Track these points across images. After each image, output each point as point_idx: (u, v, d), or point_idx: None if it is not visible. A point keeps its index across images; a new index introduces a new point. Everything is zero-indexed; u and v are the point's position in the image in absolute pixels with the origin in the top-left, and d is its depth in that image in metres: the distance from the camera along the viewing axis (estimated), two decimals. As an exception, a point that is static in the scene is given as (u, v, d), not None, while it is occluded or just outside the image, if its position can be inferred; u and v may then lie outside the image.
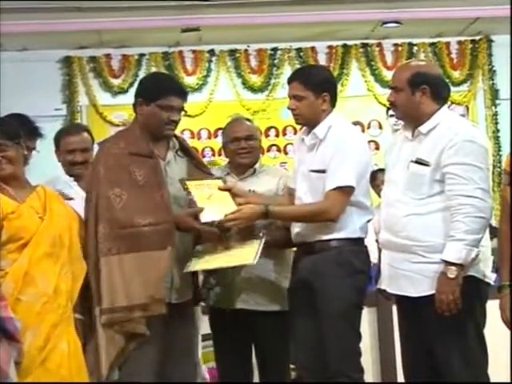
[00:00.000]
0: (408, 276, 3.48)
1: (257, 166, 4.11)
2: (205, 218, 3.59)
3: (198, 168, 3.86)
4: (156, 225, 3.51)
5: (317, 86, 3.74)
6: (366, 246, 3.78)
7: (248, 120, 4.34)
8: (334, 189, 3.61)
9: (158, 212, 3.54)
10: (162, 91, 3.69)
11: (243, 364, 4.10)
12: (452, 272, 3.34)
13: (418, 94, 3.52)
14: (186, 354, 3.75)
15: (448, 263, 3.35)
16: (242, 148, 4.07)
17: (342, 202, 3.63)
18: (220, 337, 4.07)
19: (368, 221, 3.78)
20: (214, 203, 3.64)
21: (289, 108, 3.80)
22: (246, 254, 3.61)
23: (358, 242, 3.72)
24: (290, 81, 3.81)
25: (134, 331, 3.46)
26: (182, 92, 3.79)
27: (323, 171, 3.66)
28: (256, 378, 4.23)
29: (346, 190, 3.62)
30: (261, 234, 3.74)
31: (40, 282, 3.24)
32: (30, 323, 3.15)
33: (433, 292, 3.39)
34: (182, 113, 3.73)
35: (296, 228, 3.76)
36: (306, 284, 3.68)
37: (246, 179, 4.10)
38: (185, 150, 3.85)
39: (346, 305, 3.60)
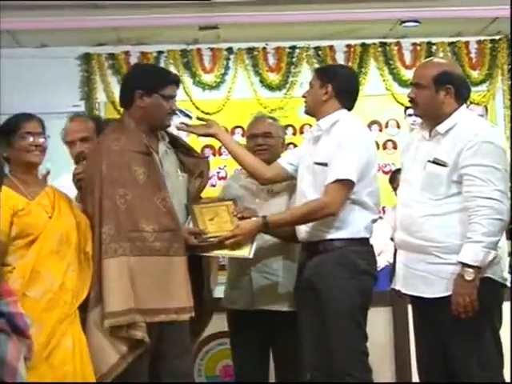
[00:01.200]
0: (423, 277, 3.47)
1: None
2: (206, 236, 3.65)
3: (189, 156, 3.84)
4: (159, 231, 3.49)
5: (323, 77, 3.85)
6: (371, 246, 3.76)
7: (272, 118, 4.36)
8: (333, 182, 3.62)
9: (162, 218, 3.52)
10: (164, 81, 3.70)
11: (261, 364, 4.11)
12: (469, 274, 3.32)
13: (442, 93, 3.50)
14: (181, 353, 3.71)
15: (465, 265, 3.33)
16: (259, 145, 4.08)
17: (341, 196, 3.63)
18: (238, 337, 4.07)
19: (373, 221, 3.76)
20: (216, 223, 3.68)
21: (303, 96, 3.93)
22: (243, 248, 3.62)
23: (363, 241, 3.72)
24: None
25: (135, 337, 3.41)
26: (179, 81, 3.83)
27: (326, 164, 3.67)
28: (272, 379, 4.23)
29: (346, 184, 3.62)
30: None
31: (46, 279, 3.28)
32: (35, 319, 3.11)
33: (449, 293, 3.37)
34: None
35: (300, 227, 3.75)
36: (311, 284, 3.68)
37: None
38: (173, 141, 3.84)
39: (350, 305, 3.60)
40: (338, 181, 3.62)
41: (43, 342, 3.20)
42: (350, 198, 3.68)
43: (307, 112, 3.92)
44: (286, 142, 7.89)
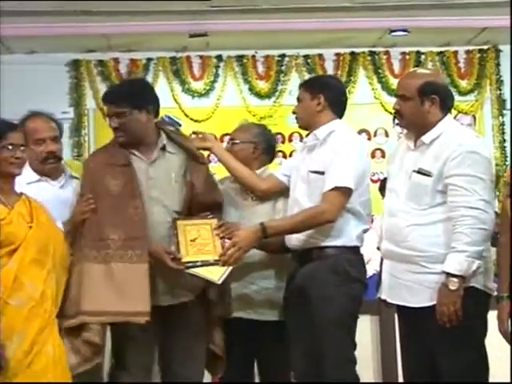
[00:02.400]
0: (409, 286, 3.47)
1: (259, 171, 4.07)
2: (184, 258, 3.61)
3: (193, 161, 3.82)
4: (125, 240, 3.56)
5: (313, 88, 3.83)
6: (362, 255, 3.77)
7: (259, 125, 4.34)
8: (331, 189, 3.61)
9: (131, 226, 3.58)
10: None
11: (244, 372, 4.09)
12: (453, 284, 3.32)
13: (427, 104, 3.50)
14: (188, 357, 3.76)
15: (449, 275, 3.33)
16: (227, 150, 4.06)
17: (340, 203, 3.62)
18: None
19: (364, 230, 3.77)
20: (197, 246, 3.65)
21: (292, 113, 3.91)
22: (215, 271, 3.61)
23: (355, 250, 3.72)
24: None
25: (89, 339, 3.49)
26: (110, 98, 3.78)
27: (322, 173, 3.67)
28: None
29: (344, 191, 3.62)
30: None
31: (28, 287, 3.30)
32: (17, 327, 3.23)
33: (433, 303, 3.37)
34: (132, 116, 3.68)
35: (291, 235, 3.75)
36: (302, 292, 3.66)
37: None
38: (177, 144, 3.82)
39: (340, 313, 3.59)
40: (336, 188, 3.61)
41: (26, 349, 3.23)
42: (344, 206, 3.68)
43: (301, 126, 3.91)
44: (277, 150, 8.09)
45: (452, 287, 3.32)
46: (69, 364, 3.42)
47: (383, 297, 3.63)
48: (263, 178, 3.97)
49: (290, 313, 3.77)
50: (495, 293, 3.47)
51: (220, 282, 3.60)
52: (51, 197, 3.71)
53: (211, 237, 3.68)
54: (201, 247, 3.65)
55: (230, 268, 3.63)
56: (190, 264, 3.61)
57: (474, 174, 3.37)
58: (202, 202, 3.76)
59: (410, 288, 3.46)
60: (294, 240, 3.74)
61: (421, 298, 3.43)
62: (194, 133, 4.10)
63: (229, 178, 4.11)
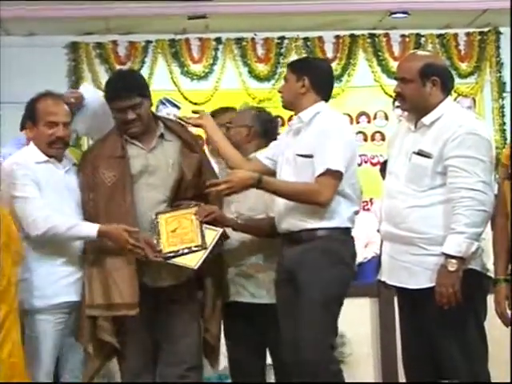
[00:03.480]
0: (408, 268, 3.47)
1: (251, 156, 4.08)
2: (165, 249, 3.64)
3: (187, 149, 3.87)
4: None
5: (298, 70, 3.81)
6: (352, 237, 3.74)
7: (256, 109, 4.34)
8: (324, 173, 3.57)
9: (120, 218, 3.65)
10: (108, 96, 3.79)
11: (255, 356, 4.08)
12: (452, 265, 3.32)
13: (429, 86, 3.49)
14: (183, 335, 3.78)
15: (448, 256, 3.33)
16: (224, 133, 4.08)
17: (332, 186, 3.60)
18: (228, 329, 4.05)
19: (355, 212, 3.74)
20: (177, 236, 3.68)
21: (278, 91, 3.93)
22: (192, 257, 3.63)
23: (346, 232, 3.70)
24: None
25: (103, 338, 3.61)
26: (124, 92, 3.74)
27: (310, 156, 3.64)
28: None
29: (336, 175, 3.60)
30: (218, 228, 3.73)
31: None
32: None
33: (432, 284, 3.37)
34: (144, 105, 3.74)
35: (282, 217, 3.73)
36: (291, 274, 3.64)
37: None
38: (174, 133, 3.86)
39: (326, 295, 3.56)
40: (328, 171, 3.58)
41: None
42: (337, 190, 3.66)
43: (285, 106, 3.87)
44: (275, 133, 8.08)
45: (451, 268, 3.32)
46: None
47: (383, 278, 3.63)
48: (248, 160, 3.96)
49: (280, 296, 3.75)
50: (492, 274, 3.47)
51: (196, 268, 3.63)
52: (57, 179, 3.72)
53: (191, 225, 3.69)
54: (181, 236, 3.67)
55: (207, 252, 3.65)
56: (171, 254, 3.63)
57: (473, 155, 3.36)
58: (190, 190, 3.81)
59: (409, 270, 3.46)
60: (284, 222, 3.72)
61: (420, 279, 3.43)
62: (193, 112, 4.13)
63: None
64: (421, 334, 3.50)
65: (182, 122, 3.99)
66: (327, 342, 3.61)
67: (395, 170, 3.57)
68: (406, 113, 3.73)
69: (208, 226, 3.72)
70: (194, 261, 3.63)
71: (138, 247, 3.58)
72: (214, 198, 3.84)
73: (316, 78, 3.78)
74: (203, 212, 3.73)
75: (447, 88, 3.56)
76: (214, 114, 4.35)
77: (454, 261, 3.32)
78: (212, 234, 3.72)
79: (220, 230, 3.73)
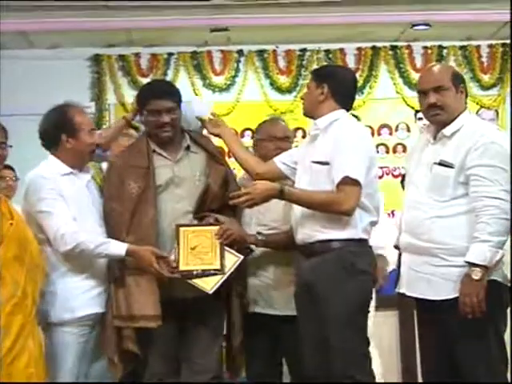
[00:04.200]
0: (428, 279, 3.45)
1: None
2: (182, 266, 3.65)
3: (213, 162, 3.88)
4: (137, 243, 3.66)
5: (318, 77, 3.82)
6: (370, 247, 3.72)
7: (282, 121, 4.37)
8: (343, 181, 3.55)
9: (144, 229, 3.69)
10: (145, 97, 3.86)
11: (272, 367, 4.08)
12: (476, 274, 3.31)
13: (459, 94, 3.51)
14: (209, 346, 3.82)
15: (472, 265, 3.31)
16: (279, 148, 4.07)
17: (355, 194, 3.57)
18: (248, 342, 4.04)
19: (372, 223, 3.71)
20: (197, 254, 3.68)
21: (300, 99, 4.00)
22: (209, 280, 3.65)
23: (361, 242, 3.66)
24: None
25: (128, 348, 3.66)
26: (164, 93, 3.83)
27: (326, 163, 3.62)
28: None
29: (356, 183, 3.58)
30: (239, 255, 3.73)
31: (10, 284, 3.32)
32: (1, 323, 3.24)
33: (455, 296, 3.36)
34: (178, 112, 3.81)
35: (297, 227, 3.71)
36: (308, 287, 3.62)
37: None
38: (200, 146, 3.89)
39: (349, 307, 3.54)
40: (347, 179, 3.55)
41: (8, 346, 3.26)
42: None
43: (305, 114, 3.89)
44: (295, 144, 8.08)
45: (475, 277, 3.31)
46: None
47: (402, 291, 3.61)
48: (262, 163, 3.96)
49: (300, 309, 3.74)
50: None
51: (211, 292, 3.63)
52: (80, 191, 3.75)
53: (212, 245, 3.69)
54: (201, 256, 3.67)
55: (224, 278, 3.65)
56: (187, 273, 3.63)
57: (496, 164, 3.36)
58: (216, 202, 3.83)
59: (430, 281, 3.45)
60: (299, 234, 3.71)
61: (441, 290, 3.42)
62: (211, 114, 4.13)
63: (246, 179, 4.15)
64: (440, 347, 3.48)
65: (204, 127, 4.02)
66: (361, 352, 3.60)
67: (416, 181, 3.56)
68: (427, 123, 3.72)
69: (229, 249, 3.72)
70: (210, 284, 3.64)
71: (159, 272, 3.61)
72: (237, 209, 3.86)
73: (336, 85, 3.77)
74: (223, 233, 3.73)
75: (467, 97, 3.57)
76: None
77: (478, 269, 3.30)
78: (232, 260, 3.71)
79: (241, 258, 3.73)
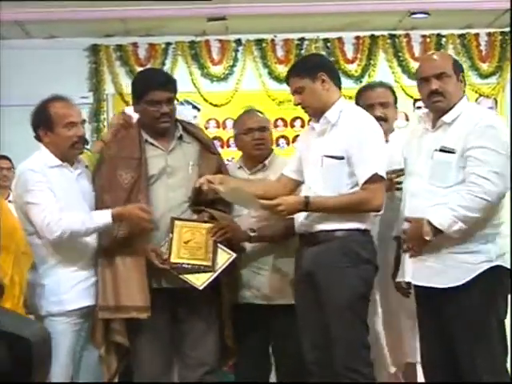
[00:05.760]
0: (435, 268, 3.45)
1: (267, 160, 4.09)
2: (174, 259, 3.66)
3: (206, 151, 3.87)
4: (129, 233, 3.67)
5: (309, 70, 3.68)
6: (372, 237, 3.69)
7: (260, 112, 4.31)
8: (371, 178, 3.52)
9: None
10: (144, 88, 3.82)
11: (260, 359, 4.08)
12: (428, 233, 3.39)
13: (459, 82, 3.51)
14: (203, 338, 3.82)
15: (430, 225, 3.35)
16: (257, 139, 4.05)
17: (382, 190, 3.56)
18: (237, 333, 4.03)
19: (376, 214, 3.68)
20: (189, 248, 3.67)
21: (295, 104, 3.75)
22: (200, 276, 3.66)
23: (364, 232, 3.63)
24: (287, 80, 3.78)
25: (115, 340, 3.66)
26: (164, 84, 3.83)
27: (340, 158, 3.58)
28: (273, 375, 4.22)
29: (382, 178, 3.55)
30: (232, 253, 3.74)
31: None
32: None
33: (458, 283, 3.36)
34: (176, 102, 3.84)
35: (300, 218, 3.68)
36: (309, 276, 3.60)
37: (256, 173, 4.08)
38: (192, 136, 3.87)
39: (351, 296, 3.52)
40: (376, 176, 3.52)
41: None
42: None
43: (314, 114, 3.74)
44: (295, 134, 8.08)
45: (427, 237, 3.38)
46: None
47: (407, 279, 3.61)
48: (278, 184, 3.88)
49: (300, 298, 3.72)
50: None
51: (201, 288, 3.63)
52: (70, 183, 3.72)
53: (205, 241, 3.68)
54: (193, 251, 3.67)
55: (215, 274, 3.65)
56: (179, 266, 3.62)
57: (490, 146, 3.38)
58: (211, 192, 3.81)
59: (435, 269, 3.45)
60: (301, 223, 3.68)
61: (443, 279, 3.42)
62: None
63: (235, 165, 4.14)
64: (441, 335, 3.47)
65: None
66: (361, 342, 3.58)
67: (417, 169, 3.55)
68: (426, 111, 3.71)
69: (222, 246, 3.71)
70: (200, 280, 3.66)
71: (151, 225, 3.60)
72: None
73: (328, 69, 3.72)
74: (217, 230, 3.71)
75: (465, 86, 3.58)
76: None
77: (432, 231, 3.38)
78: (224, 257, 3.72)
79: (233, 255, 3.73)
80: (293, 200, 3.60)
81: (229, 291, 3.88)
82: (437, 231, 3.38)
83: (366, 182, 3.53)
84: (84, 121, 3.84)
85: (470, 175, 3.36)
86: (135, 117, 4.05)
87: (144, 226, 3.59)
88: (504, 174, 3.37)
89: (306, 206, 3.56)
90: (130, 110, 4.28)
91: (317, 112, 3.71)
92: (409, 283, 3.62)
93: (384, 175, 3.56)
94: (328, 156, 3.62)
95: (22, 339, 3.13)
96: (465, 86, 3.60)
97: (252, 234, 3.90)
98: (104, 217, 3.61)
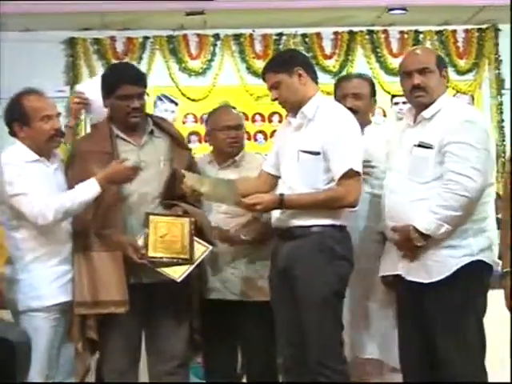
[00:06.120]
0: (416, 262, 3.47)
1: (237, 156, 4.07)
2: (151, 253, 3.64)
3: (177, 146, 3.86)
4: (103, 228, 3.64)
5: (286, 65, 3.64)
6: (348, 233, 3.65)
7: (234, 108, 4.28)
8: (349, 174, 3.50)
9: (108, 214, 3.66)
10: (114, 83, 3.76)
11: (228, 354, 4.08)
12: (419, 240, 3.39)
13: (442, 77, 3.52)
14: (174, 332, 3.79)
15: (417, 231, 3.38)
16: (232, 137, 4.03)
17: (357, 185, 3.53)
18: (206, 327, 4.01)
19: (352, 210, 3.64)
20: (165, 243, 3.67)
21: (272, 100, 3.71)
22: (177, 269, 3.64)
23: (341, 228, 3.61)
24: (263, 76, 3.75)
25: (90, 336, 3.63)
26: (136, 78, 3.80)
27: (317, 153, 3.56)
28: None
29: (358, 174, 3.53)
30: (208, 245, 3.73)
31: None
32: None
33: (439, 278, 3.39)
34: (146, 97, 3.79)
35: (276, 214, 3.67)
36: (286, 271, 3.58)
37: (226, 168, 4.07)
38: (163, 130, 3.86)
39: (326, 292, 3.49)
40: (351, 171, 3.50)
41: None
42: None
43: (291, 109, 3.70)
44: (272, 129, 8.08)
45: (417, 243, 3.40)
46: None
47: (383, 273, 3.63)
48: (259, 181, 3.87)
49: (275, 293, 3.70)
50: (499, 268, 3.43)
51: (179, 280, 3.63)
52: (47, 178, 3.68)
53: (181, 234, 3.67)
54: (170, 244, 3.66)
55: (193, 267, 3.66)
56: (156, 260, 3.61)
57: (468, 141, 3.38)
58: (180, 187, 3.77)
59: (417, 264, 3.46)
60: (277, 219, 3.67)
61: (428, 273, 3.43)
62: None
63: (206, 158, 4.13)
64: (420, 328, 3.48)
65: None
66: (335, 339, 3.56)
67: (396, 165, 3.55)
68: (404, 109, 3.73)
69: (198, 239, 3.71)
70: (178, 272, 3.64)
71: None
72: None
73: (305, 64, 3.69)
74: (194, 224, 3.71)
75: (448, 82, 3.59)
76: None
77: (420, 237, 3.39)
78: (201, 250, 3.72)
79: (209, 248, 3.73)
80: (268, 198, 3.59)
81: (198, 285, 3.87)
82: (425, 236, 3.39)
83: (341, 178, 3.51)
84: (59, 114, 3.77)
85: (449, 172, 3.36)
86: (89, 92, 4.02)
87: (129, 173, 3.60)
88: (482, 169, 3.38)
89: (281, 203, 3.56)
90: (82, 87, 4.29)
91: (294, 107, 3.68)
92: (396, 276, 3.60)
93: (360, 170, 3.54)
94: (304, 151, 3.60)
95: (6, 341, 3.12)
96: (447, 82, 3.60)
97: (244, 238, 3.90)
98: (90, 187, 3.57)
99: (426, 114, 3.49)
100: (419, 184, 3.44)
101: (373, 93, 4.06)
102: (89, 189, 3.56)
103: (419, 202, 3.42)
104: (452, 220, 3.35)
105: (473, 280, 3.35)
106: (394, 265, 3.57)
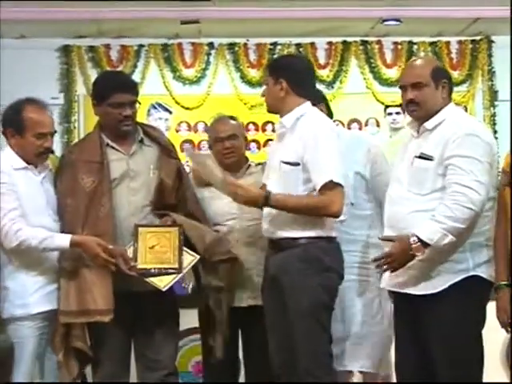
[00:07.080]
0: (411, 274, 3.44)
1: (242, 169, 4.06)
2: (140, 264, 3.64)
3: (166, 156, 3.86)
4: (93, 236, 3.61)
5: (274, 72, 3.65)
6: (338, 244, 3.64)
7: (232, 118, 4.25)
8: (329, 186, 3.48)
9: (98, 223, 3.64)
10: (107, 90, 3.76)
11: (230, 359, 4.07)
12: (419, 249, 3.32)
13: (440, 89, 3.49)
14: (165, 342, 3.78)
15: (419, 240, 3.32)
16: (226, 148, 4.02)
17: (340, 195, 3.51)
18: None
19: (340, 221, 3.64)
20: (155, 253, 3.67)
21: (261, 96, 3.75)
22: (164, 278, 3.64)
23: (329, 239, 3.60)
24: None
25: (76, 346, 3.59)
26: (128, 87, 3.81)
27: (296, 164, 3.54)
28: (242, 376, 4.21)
29: (339, 185, 3.52)
30: (196, 255, 3.72)
31: None
32: None
33: (436, 290, 3.37)
34: (137, 105, 3.79)
35: (265, 224, 3.67)
36: (275, 281, 3.58)
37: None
38: (153, 139, 3.86)
39: (314, 304, 3.49)
40: (332, 184, 3.48)
41: None
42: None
43: (269, 111, 3.73)
44: (266, 138, 8.09)
45: (417, 253, 3.33)
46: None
47: (382, 285, 3.61)
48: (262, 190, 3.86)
49: (266, 302, 3.71)
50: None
51: (164, 290, 3.62)
52: (35, 186, 3.67)
53: (171, 245, 3.68)
54: (159, 255, 3.66)
55: (179, 276, 3.67)
56: (145, 271, 3.62)
57: (472, 155, 3.34)
58: (172, 196, 3.80)
59: (412, 276, 3.44)
60: (265, 230, 3.67)
61: (423, 285, 3.41)
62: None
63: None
64: (416, 341, 3.47)
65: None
66: (322, 350, 3.56)
67: (398, 176, 3.53)
68: (398, 120, 3.72)
69: (187, 249, 3.71)
70: (164, 282, 3.64)
71: (110, 262, 3.55)
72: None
73: (294, 78, 3.62)
74: (183, 234, 3.71)
75: (451, 91, 3.56)
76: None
77: (421, 246, 3.31)
78: (189, 259, 3.72)
79: (197, 257, 3.73)
80: (254, 192, 3.58)
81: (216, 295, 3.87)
82: (425, 245, 3.33)
83: (321, 189, 3.51)
84: (55, 132, 3.76)
85: (453, 184, 3.33)
86: None
87: (97, 261, 3.56)
88: (485, 182, 3.37)
89: (266, 200, 3.54)
90: None
91: (271, 110, 3.73)
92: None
93: (341, 181, 3.52)
94: (284, 162, 3.60)
95: None
96: (451, 92, 3.57)
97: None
98: (63, 241, 3.56)
99: (428, 125, 3.48)
100: (419, 195, 3.41)
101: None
102: (60, 241, 3.56)
103: (418, 213, 3.40)
104: (457, 232, 3.31)
105: (469, 294, 3.32)
106: (391, 279, 3.55)
